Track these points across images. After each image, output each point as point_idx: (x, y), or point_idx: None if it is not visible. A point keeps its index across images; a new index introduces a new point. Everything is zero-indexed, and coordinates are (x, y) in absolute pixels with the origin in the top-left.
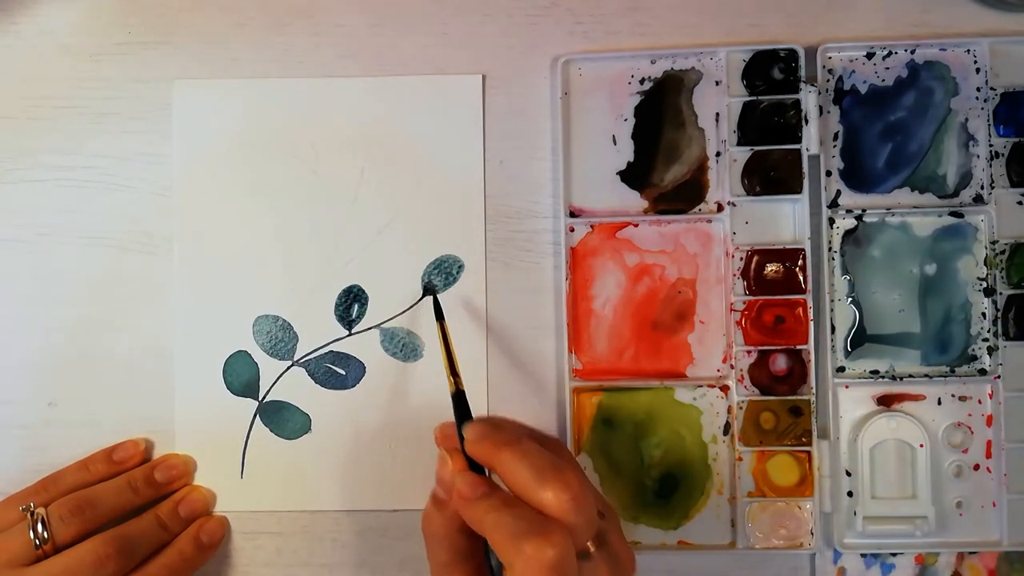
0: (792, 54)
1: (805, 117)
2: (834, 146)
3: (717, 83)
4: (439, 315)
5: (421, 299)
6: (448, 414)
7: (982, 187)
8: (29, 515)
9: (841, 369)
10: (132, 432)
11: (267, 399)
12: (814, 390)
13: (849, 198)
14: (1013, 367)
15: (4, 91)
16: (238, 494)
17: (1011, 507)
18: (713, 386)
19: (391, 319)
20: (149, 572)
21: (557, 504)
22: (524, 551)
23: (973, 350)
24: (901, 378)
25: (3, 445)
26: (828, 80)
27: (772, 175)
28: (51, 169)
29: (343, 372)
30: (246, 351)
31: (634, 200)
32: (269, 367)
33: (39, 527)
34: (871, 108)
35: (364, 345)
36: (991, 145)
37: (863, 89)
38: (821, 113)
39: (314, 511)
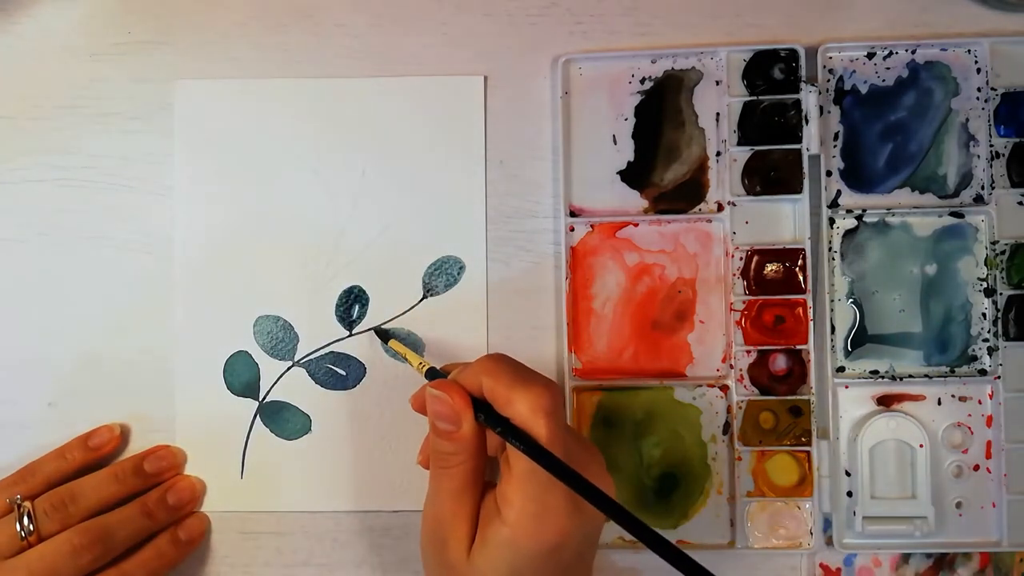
0: (792, 54)
1: (805, 117)
2: (834, 146)
3: (717, 83)
4: (386, 338)
5: (421, 300)
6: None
7: (982, 187)
8: (16, 508)
9: (841, 369)
10: (132, 432)
11: (267, 399)
12: (814, 390)
13: (849, 198)
14: (1013, 367)
15: (4, 91)
16: (238, 494)
17: (1011, 507)
18: (713, 386)
19: (391, 320)
20: (124, 569)
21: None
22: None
23: (973, 350)
24: (901, 378)
25: (3, 445)
26: (828, 80)
27: (772, 175)
28: (51, 169)
29: (343, 372)
30: (246, 351)
31: (634, 200)
32: (269, 367)
33: (25, 520)
34: (871, 108)
35: (365, 346)
36: (991, 145)
37: (863, 89)
38: (821, 113)
39: (314, 511)
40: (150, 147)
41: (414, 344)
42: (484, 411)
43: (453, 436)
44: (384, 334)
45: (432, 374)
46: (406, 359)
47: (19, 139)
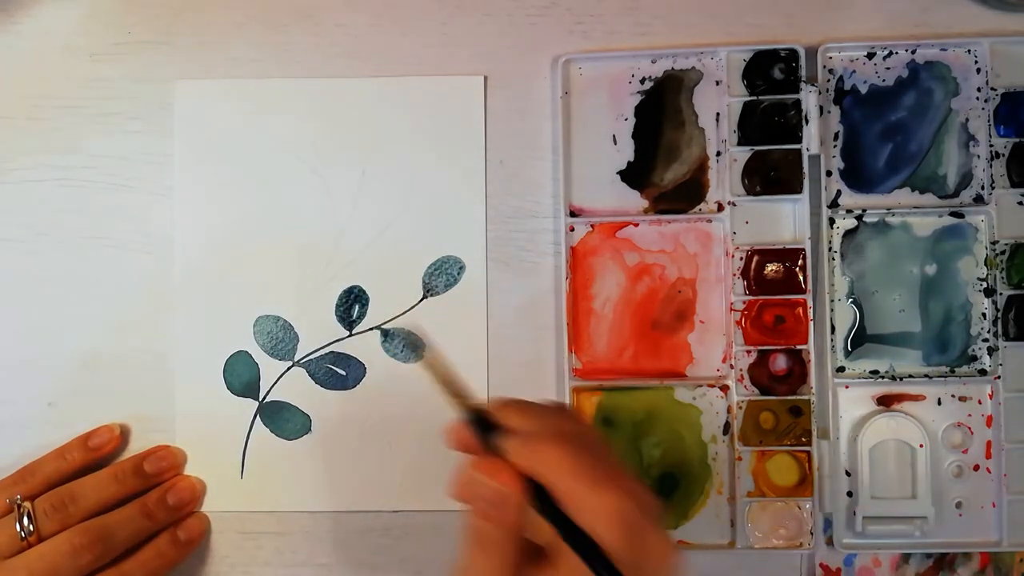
0: (792, 54)
1: (805, 117)
2: (834, 146)
3: (717, 83)
4: (419, 354)
5: (421, 300)
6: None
7: (982, 187)
8: (16, 508)
9: (841, 369)
10: (132, 432)
11: (267, 399)
12: (814, 390)
13: (849, 198)
14: (1013, 367)
15: (4, 91)
16: (238, 494)
17: (1011, 507)
18: (713, 386)
19: (391, 320)
20: (124, 569)
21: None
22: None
23: (973, 350)
24: (901, 378)
25: (3, 445)
26: (828, 80)
27: (772, 175)
28: (51, 169)
29: (343, 372)
30: (246, 351)
31: (634, 200)
32: (270, 367)
33: (25, 520)
34: (871, 108)
35: (365, 346)
36: (991, 145)
37: (863, 89)
38: (821, 113)
39: (314, 511)
40: (150, 147)
41: (414, 344)
42: (541, 499)
43: (499, 521)
44: (417, 347)
45: (478, 422)
46: (441, 388)
47: (19, 139)
